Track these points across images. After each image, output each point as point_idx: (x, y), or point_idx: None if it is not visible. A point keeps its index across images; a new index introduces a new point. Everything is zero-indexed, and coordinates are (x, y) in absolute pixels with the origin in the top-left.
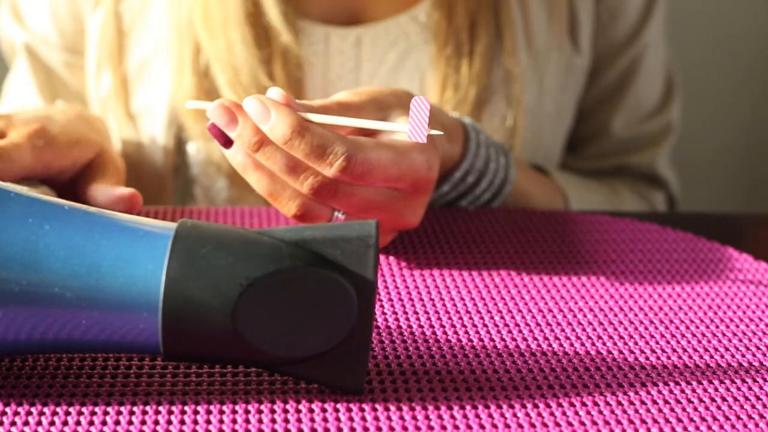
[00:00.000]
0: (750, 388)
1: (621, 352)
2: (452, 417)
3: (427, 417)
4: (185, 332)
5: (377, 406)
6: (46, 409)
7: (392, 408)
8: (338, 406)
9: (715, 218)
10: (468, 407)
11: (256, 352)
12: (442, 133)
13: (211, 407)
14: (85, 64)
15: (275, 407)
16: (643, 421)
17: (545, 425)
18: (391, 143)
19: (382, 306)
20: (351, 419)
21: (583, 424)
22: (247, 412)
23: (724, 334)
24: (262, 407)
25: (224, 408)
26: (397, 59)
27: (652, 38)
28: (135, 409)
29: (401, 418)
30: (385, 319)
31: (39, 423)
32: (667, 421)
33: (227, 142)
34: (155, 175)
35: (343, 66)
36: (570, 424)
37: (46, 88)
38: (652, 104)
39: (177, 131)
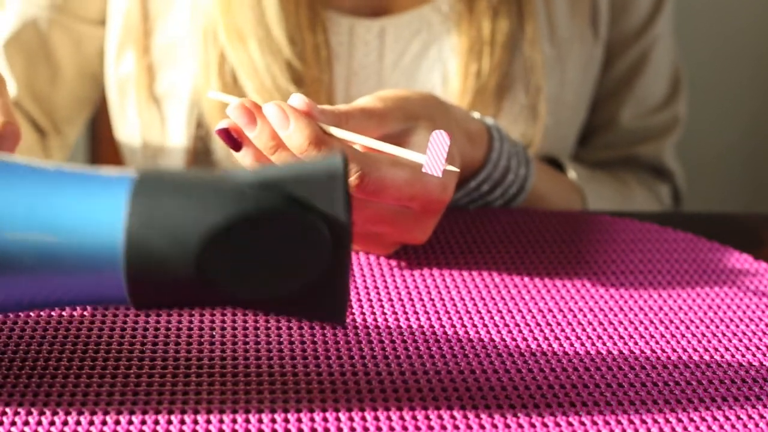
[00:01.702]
0: (750, 388)
1: (621, 352)
2: (452, 417)
3: (427, 417)
4: (151, 284)
5: (377, 406)
6: (46, 409)
7: (392, 408)
8: (338, 406)
9: (716, 218)
10: (468, 407)
11: (229, 297)
12: (458, 170)
13: (211, 407)
14: (73, 27)
15: (275, 407)
16: (643, 421)
17: (545, 425)
18: (408, 162)
19: (382, 306)
20: (351, 419)
21: (583, 424)
22: (247, 412)
23: (724, 334)
24: (263, 407)
25: (224, 408)
26: (420, 49)
27: (661, 31)
28: (135, 409)
29: (401, 418)
30: (385, 319)
31: (39, 423)
32: (667, 421)
33: (236, 146)
34: (175, 158)
35: (366, 57)
36: (570, 424)
37: (14, 40)
38: (660, 97)
39: (199, 115)
